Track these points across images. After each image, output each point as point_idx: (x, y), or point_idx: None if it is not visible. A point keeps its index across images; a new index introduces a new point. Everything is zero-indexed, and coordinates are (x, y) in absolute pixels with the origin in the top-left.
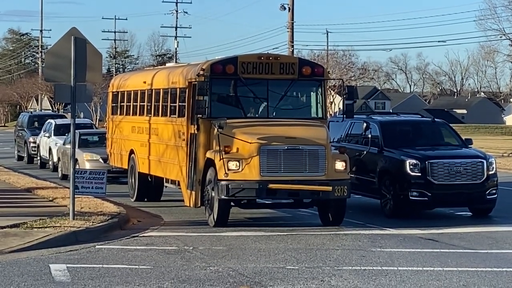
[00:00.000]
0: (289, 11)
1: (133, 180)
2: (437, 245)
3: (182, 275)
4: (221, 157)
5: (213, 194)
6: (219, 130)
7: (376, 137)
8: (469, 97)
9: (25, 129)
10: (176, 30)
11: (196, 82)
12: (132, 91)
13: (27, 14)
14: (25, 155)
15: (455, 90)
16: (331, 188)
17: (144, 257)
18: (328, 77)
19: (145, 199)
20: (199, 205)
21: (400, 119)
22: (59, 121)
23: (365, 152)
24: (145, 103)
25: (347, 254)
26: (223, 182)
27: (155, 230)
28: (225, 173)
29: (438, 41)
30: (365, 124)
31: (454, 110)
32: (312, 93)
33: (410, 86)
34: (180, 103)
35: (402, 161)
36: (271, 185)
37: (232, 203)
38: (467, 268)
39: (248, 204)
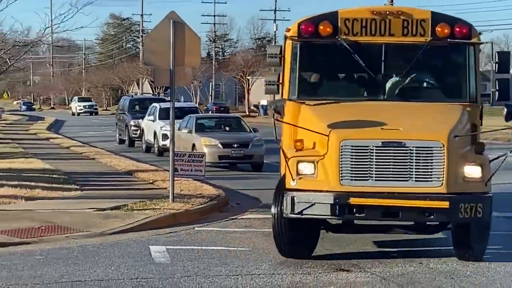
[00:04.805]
0: None
1: None
2: None
3: (279, 257)
4: (289, 156)
5: (273, 209)
6: (275, 116)
7: None
8: None
9: (126, 112)
10: (275, 13)
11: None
12: None
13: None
14: (126, 138)
15: None
16: (447, 205)
17: (242, 239)
18: (478, 39)
19: None
20: None
21: None
22: (164, 105)
23: None
24: None
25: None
26: (289, 193)
27: (253, 213)
28: (293, 179)
29: None
30: None
31: None
32: (452, 63)
33: None
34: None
35: None
36: (353, 200)
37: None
38: None
39: (343, 226)
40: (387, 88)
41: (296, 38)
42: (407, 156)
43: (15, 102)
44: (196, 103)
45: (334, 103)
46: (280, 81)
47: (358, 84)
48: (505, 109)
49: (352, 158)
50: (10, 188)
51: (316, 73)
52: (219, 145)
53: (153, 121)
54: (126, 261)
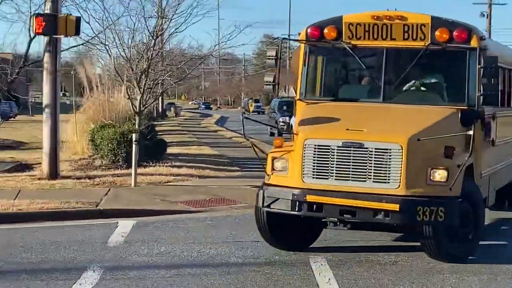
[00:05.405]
0: (487, 17)
1: None
2: None
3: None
4: (268, 152)
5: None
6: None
7: None
8: None
9: (276, 111)
10: None
11: None
12: None
13: (279, 23)
14: (276, 132)
15: None
16: (397, 207)
17: None
18: (479, 44)
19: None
20: None
21: None
22: None
23: None
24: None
25: None
26: (263, 187)
27: None
28: (268, 174)
29: None
30: None
31: None
32: (451, 68)
33: None
34: None
35: None
36: (309, 197)
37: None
38: None
39: (331, 222)
40: (386, 91)
41: (305, 41)
42: (365, 157)
43: (190, 102)
44: None
45: (327, 104)
46: (276, 81)
47: (360, 86)
48: (459, 114)
49: (314, 157)
50: (188, 168)
51: (322, 75)
52: None
53: None
54: None
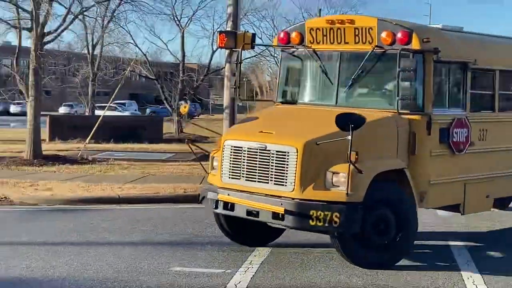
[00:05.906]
0: None
1: None
2: None
3: None
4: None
5: None
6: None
7: None
8: None
9: None
10: None
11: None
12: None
13: None
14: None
15: None
16: (283, 210)
17: None
18: (422, 47)
19: None
20: None
21: None
22: None
23: None
24: None
25: None
26: (201, 185)
27: None
28: (207, 172)
29: None
30: None
31: None
32: (393, 71)
33: None
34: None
35: None
36: (220, 197)
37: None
38: None
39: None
40: (339, 95)
41: (276, 46)
42: (268, 159)
43: None
44: None
45: (277, 107)
46: (237, 85)
47: (318, 90)
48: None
49: (230, 158)
50: None
51: (291, 79)
52: None
53: None
54: None
